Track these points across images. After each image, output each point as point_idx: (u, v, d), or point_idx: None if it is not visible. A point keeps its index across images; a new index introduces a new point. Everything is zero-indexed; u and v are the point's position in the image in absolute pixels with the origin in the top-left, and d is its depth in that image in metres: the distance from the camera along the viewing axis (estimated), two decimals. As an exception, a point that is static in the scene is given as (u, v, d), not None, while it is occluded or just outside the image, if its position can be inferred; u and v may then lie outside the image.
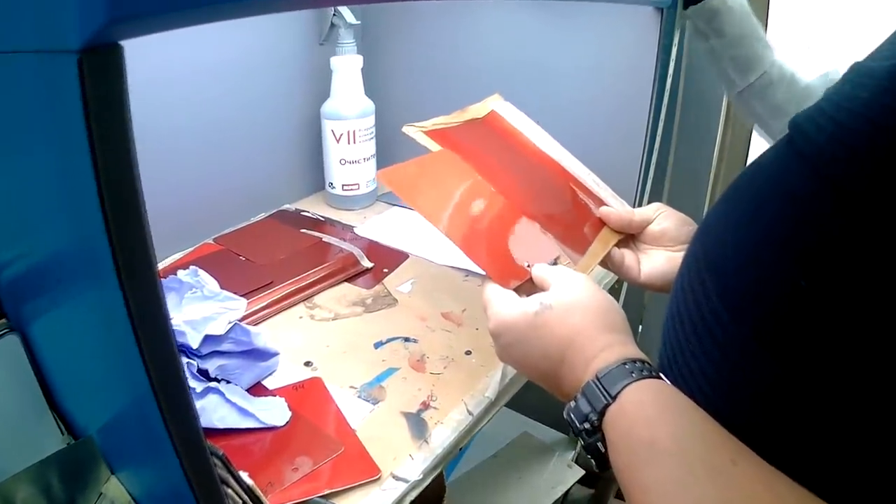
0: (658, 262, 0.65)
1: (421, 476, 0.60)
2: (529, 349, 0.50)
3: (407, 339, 0.76)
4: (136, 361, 0.34)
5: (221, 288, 0.75)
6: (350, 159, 1.04)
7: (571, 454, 1.28)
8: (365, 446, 0.62)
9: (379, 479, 0.59)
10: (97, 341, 0.43)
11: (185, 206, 0.93)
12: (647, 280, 0.65)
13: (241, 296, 0.78)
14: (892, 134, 0.27)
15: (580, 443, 0.44)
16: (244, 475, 0.45)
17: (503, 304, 0.53)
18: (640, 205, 0.96)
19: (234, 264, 0.90)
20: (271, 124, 1.04)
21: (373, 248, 0.95)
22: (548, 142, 0.75)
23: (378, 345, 0.75)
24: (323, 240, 0.96)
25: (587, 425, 0.42)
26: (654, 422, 0.38)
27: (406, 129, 0.70)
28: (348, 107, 1.02)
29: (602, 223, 0.68)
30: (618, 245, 0.67)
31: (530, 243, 0.62)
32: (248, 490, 0.45)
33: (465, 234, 0.59)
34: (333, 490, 0.57)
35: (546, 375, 0.50)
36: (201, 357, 0.66)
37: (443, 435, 0.64)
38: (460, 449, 0.66)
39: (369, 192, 1.09)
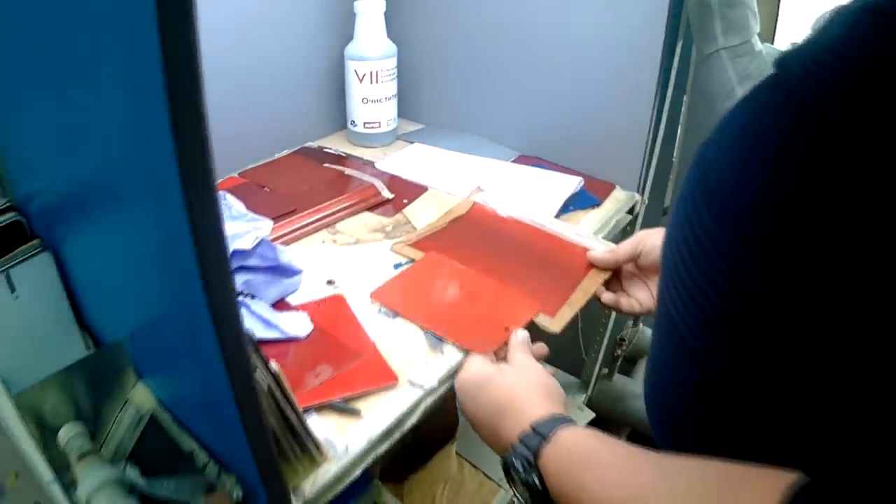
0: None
1: (436, 384, 0.63)
2: (479, 403, 0.59)
3: (425, 262, 0.79)
4: (193, 270, 0.35)
5: (247, 212, 0.78)
6: (372, 98, 1.06)
7: (583, 397, 1.31)
8: (384, 356, 0.65)
9: (396, 384, 0.62)
10: (144, 255, 0.45)
11: (212, 142, 0.95)
12: (652, 310, 0.73)
13: (266, 221, 0.81)
14: (857, 64, 0.29)
15: (514, 488, 0.52)
16: (272, 364, 0.48)
17: (468, 366, 0.63)
18: (650, 159, 0.98)
19: (259, 195, 0.93)
20: (297, 65, 1.06)
21: (393, 181, 0.98)
22: (530, 212, 0.89)
23: (398, 265, 0.78)
24: (345, 173, 0.99)
25: (524, 462, 0.50)
26: (590, 442, 0.47)
27: (393, 248, 0.82)
28: (371, 48, 1.04)
29: (586, 270, 0.79)
30: (617, 287, 0.79)
31: (510, 307, 0.72)
32: (275, 376, 0.48)
33: (444, 322, 0.70)
34: (353, 394, 0.61)
35: (489, 427, 0.57)
36: (229, 272, 0.69)
37: (456, 347, 0.67)
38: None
39: (390, 131, 1.11)
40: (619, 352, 1.32)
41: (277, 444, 0.49)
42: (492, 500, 1.06)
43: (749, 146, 0.34)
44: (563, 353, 1.31)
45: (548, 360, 1.38)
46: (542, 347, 0.68)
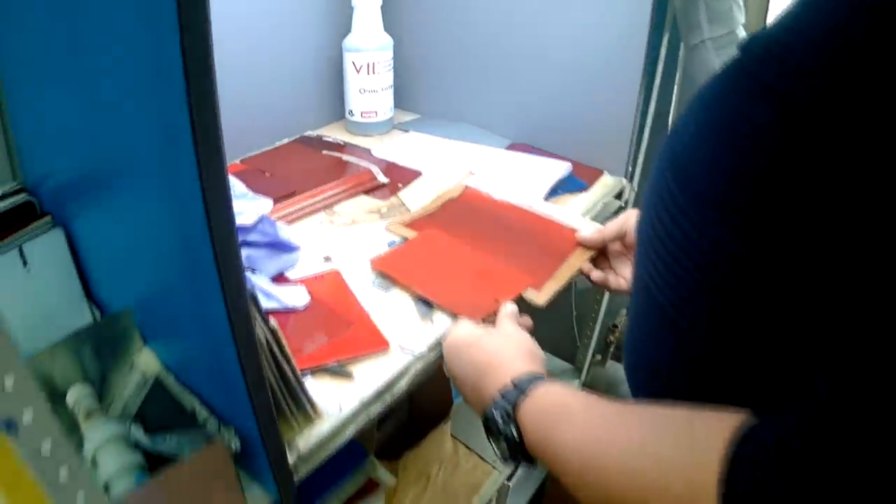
0: None
1: (426, 350, 0.66)
2: (464, 362, 0.62)
3: (419, 240, 0.82)
4: (205, 242, 0.40)
5: (248, 194, 0.81)
6: (369, 89, 1.09)
7: (576, 382, 1.34)
8: (376, 325, 0.68)
9: (388, 350, 0.66)
10: (157, 228, 0.48)
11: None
12: None
13: (266, 203, 0.84)
14: (820, 46, 0.30)
15: (493, 441, 0.54)
16: (271, 320, 0.51)
17: (456, 328, 0.66)
18: (638, 146, 1.02)
19: (260, 179, 0.96)
20: (296, 57, 1.10)
21: (389, 167, 1.01)
22: (519, 195, 0.93)
23: (392, 243, 0.82)
24: (342, 159, 1.02)
25: (503, 414, 0.52)
26: (566, 396, 0.49)
27: (388, 227, 0.86)
28: (368, 41, 1.07)
29: (573, 248, 0.82)
30: (605, 266, 0.81)
31: (500, 280, 0.76)
32: (273, 332, 0.51)
33: (436, 289, 0.74)
34: (346, 358, 0.64)
35: (473, 385, 0.60)
36: (230, 247, 0.72)
37: (445, 316, 0.71)
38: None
39: (386, 120, 1.14)
40: (611, 338, 1.35)
41: (274, 398, 0.52)
42: (486, 481, 1.09)
43: (719, 129, 0.34)
44: (558, 339, 1.34)
45: (542, 347, 1.42)
46: (527, 319, 0.71)
